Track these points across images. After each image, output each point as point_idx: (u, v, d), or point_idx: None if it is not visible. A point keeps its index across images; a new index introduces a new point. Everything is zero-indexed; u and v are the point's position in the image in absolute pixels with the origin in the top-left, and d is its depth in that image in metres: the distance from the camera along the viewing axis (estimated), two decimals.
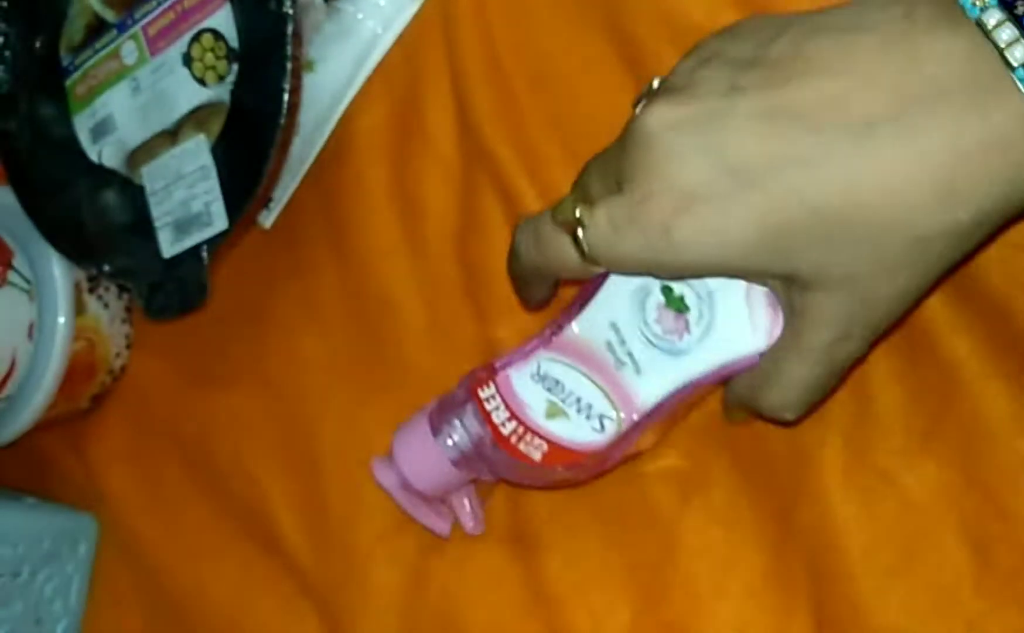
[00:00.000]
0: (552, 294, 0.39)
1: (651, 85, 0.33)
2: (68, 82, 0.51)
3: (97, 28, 0.49)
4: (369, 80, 0.49)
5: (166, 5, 0.46)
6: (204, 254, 0.46)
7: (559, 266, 0.34)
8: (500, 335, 0.46)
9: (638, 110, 0.32)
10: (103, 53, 0.49)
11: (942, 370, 0.38)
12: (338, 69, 0.48)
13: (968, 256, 0.29)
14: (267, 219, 0.51)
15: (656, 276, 0.33)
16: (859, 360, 0.32)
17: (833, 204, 0.27)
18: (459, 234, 0.47)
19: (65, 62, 0.51)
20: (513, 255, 0.36)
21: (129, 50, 0.48)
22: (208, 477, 0.53)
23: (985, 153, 0.26)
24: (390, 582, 0.47)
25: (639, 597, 0.42)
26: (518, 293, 0.39)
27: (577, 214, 0.31)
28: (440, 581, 0.46)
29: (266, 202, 0.50)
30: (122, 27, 0.48)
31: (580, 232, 0.31)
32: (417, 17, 0.48)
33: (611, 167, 0.32)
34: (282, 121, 0.43)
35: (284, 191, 0.50)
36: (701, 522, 0.42)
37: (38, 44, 0.51)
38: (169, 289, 0.47)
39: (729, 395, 0.37)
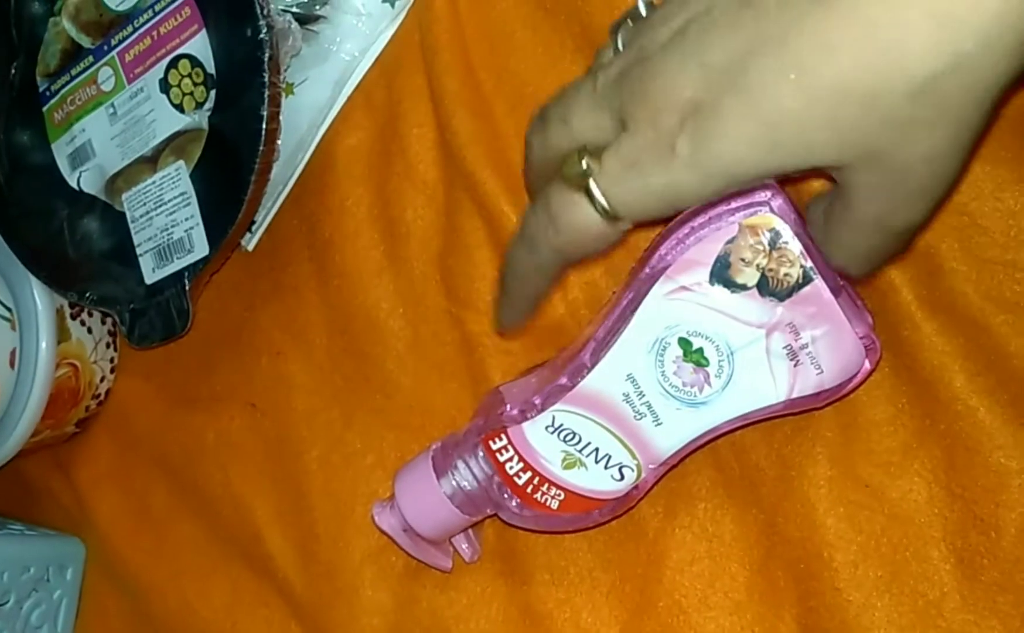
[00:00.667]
0: (535, 309, 0.37)
1: (633, 12, 0.32)
2: (45, 108, 0.50)
3: (73, 54, 0.49)
4: (349, 102, 0.49)
5: (142, 31, 0.46)
6: (186, 280, 0.46)
7: (578, 236, 0.31)
8: (483, 355, 0.46)
9: (620, 43, 0.31)
10: (80, 79, 0.49)
11: (923, 385, 0.38)
12: (317, 92, 0.48)
13: (998, 101, 0.25)
14: (249, 242, 0.51)
15: (677, 207, 0.30)
16: (922, 226, 0.29)
17: (815, 76, 0.25)
18: (441, 255, 0.47)
19: (42, 88, 0.50)
20: (524, 248, 0.33)
21: (106, 76, 0.48)
22: (195, 499, 0.53)
23: None
24: (379, 602, 0.47)
25: (626, 612, 0.43)
26: (507, 306, 0.37)
27: (585, 166, 0.30)
28: (428, 600, 0.46)
29: (248, 227, 0.50)
30: (98, 53, 0.48)
31: (593, 186, 0.30)
32: (395, 40, 0.48)
33: (603, 113, 0.30)
34: (261, 148, 0.43)
35: (266, 213, 0.50)
36: (686, 537, 0.42)
37: (13, 70, 0.51)
38: (151, 316, 0.47)
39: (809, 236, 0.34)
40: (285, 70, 0.46)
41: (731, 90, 0.27)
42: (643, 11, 0.32)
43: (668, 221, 0.37)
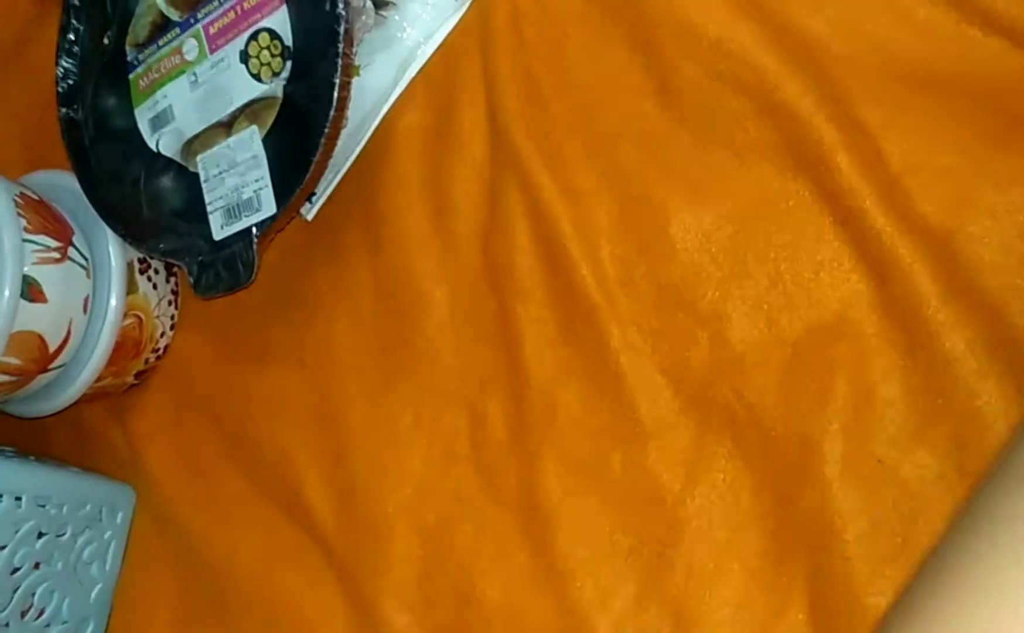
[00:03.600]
0: None
1: None
2: (132, 76, 0.54)
3: (162, 26, 0.53)
4: (410, 85, 0.52)
5: (228, 5, 0.50)
6: (255, 234, 0.49)
7: None
8: (517, 326, 0.48)
9: None
10: (166, 49, 0.52)
11: (938, 366, 0.40)
12: (382, 74, 0.52)
13: None
14: (309, 212, 0.54)
15: None
16: None
17: None
18: (485, 230, 0.50)
19: (130, 57, 0.54)
20: None
21: (191, 47, 0.51)
22: (242, 451, 0.55)
23: None
24: (410, 554, 0.49)
25: (644, 575, 0.44)
26: None
27: None
28: (457, 554, 0.48)
29: (311, 193, 0.53)
30: (185, 25, 0.52)
31: None
32: (457, 28, 0.51)
33: None
34: (332, 113, 0.46)
35: (327, 185, 0.53)
36: (704, 505, 0.44)
37: (106, 40, 0.55)
38: (218, 267, 0.50)
39: None
40: (358, 44, 0.49)
41: None
42: None
43: None
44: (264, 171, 0.49)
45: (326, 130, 0.46)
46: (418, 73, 0.52)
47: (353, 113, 0.52)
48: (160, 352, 0.59)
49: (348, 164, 0.53)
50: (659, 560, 0.44)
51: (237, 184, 0.50)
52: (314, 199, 0.54)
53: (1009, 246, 0.39)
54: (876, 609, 0.40)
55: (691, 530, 0.44)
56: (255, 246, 0.48)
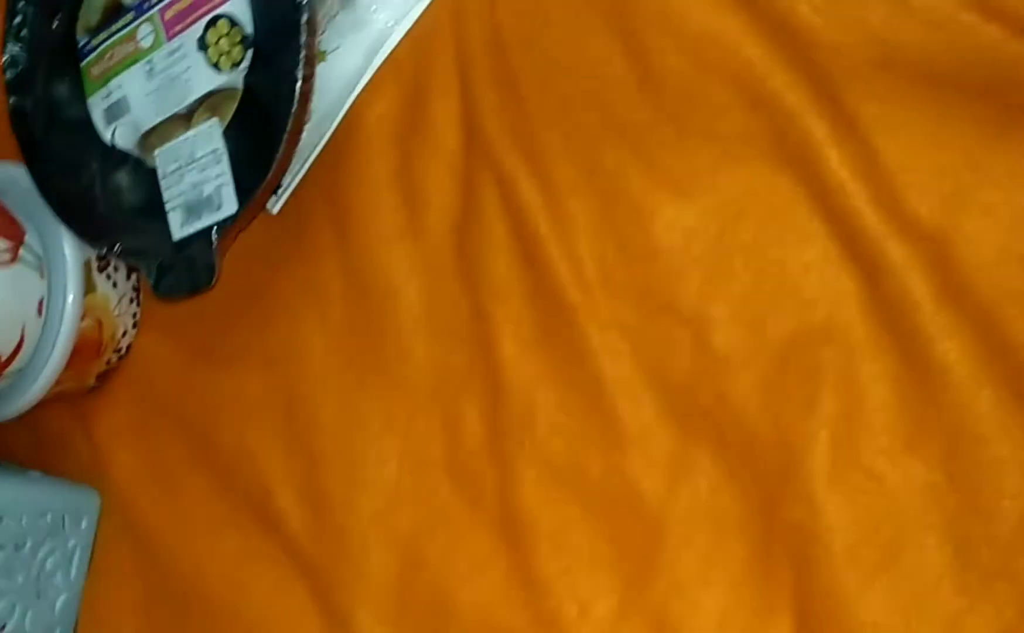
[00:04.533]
0: None
1: None
2: (84, 63, 0.52)
3: (115, 10, 0.50)
4: (379, 71, 0.50)
5: None
6: (214, 236, 0.47)
7: None
8: (492, 324, 0.46)
9: None
10: (119, 35, 0.50)
11: (930, 373, 0.39)
12: (349, 60, 0.49)
13: None
14: (275, 205, 0.52)
15: None
16: None
17: None
18: (459, 225, 0.48)
19: (81, 43, 0.52)
20: None
21: (145, 33, 0.49)
22: (210, 455, 0.54)
23: None
24: (385, 562, 0.48)
25: (625, 584, 0.43)
26: None
27: None
28: (433, 563, 0.47)
29: (275, 189, 0.51)
30: (139, 10, 0.49)
31: None
32: (428, 11, 0.49)
33: None
34: (294, 109, 0.44)
35: (293, 177, 0.51)
36: (687, 513, 0.43)
37: (56, 24, 0.52)
38: (178, 270, 0.48)
39: None
40: (321, 34, 0.47)
41: None
42: None
43: None
44: (225, 167, 0.46)
45: (289, 125, 0.44)
46: (387, 59, 0.49)
47: (320, 99, 0.49)
48: (122, 352, 0.56)
49: (315, 154, 0.51)
50: (641, 569, 0.43)
51: (197, 180, 0.47)
52: (280, 191, 0.52)
53: (1006, 247, 0.38)
54: (864, 622, 0.39)
55: (674, 538, 0.43)
56: (215, 248, 0.46)
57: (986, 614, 0.37)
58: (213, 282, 0.47)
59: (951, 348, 0.38)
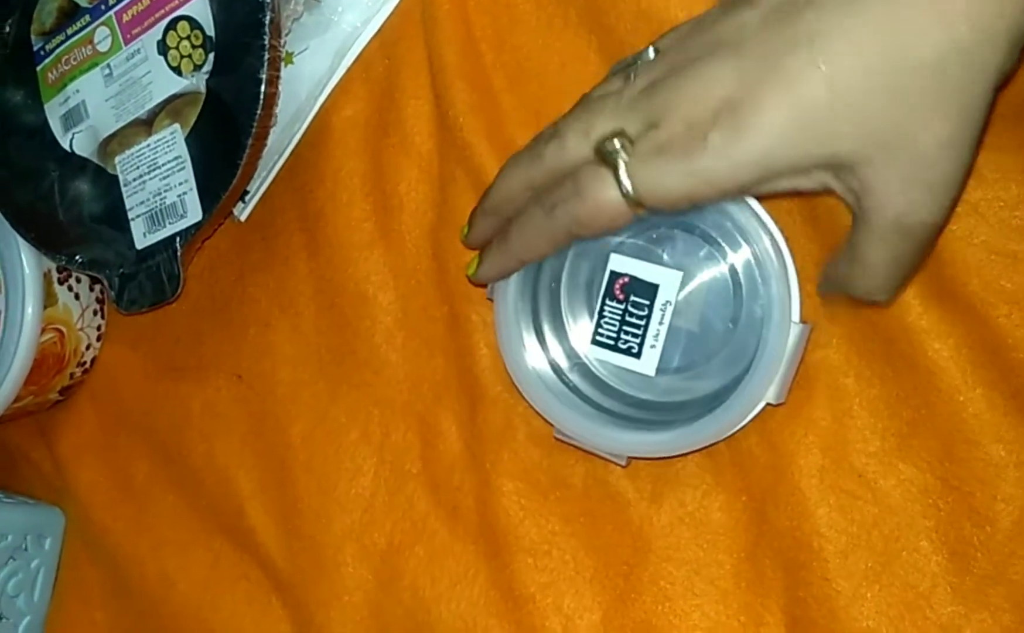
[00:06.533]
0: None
1: (639, 56, 0.35)
2: (39, 68, 0.50)
3: (70, 12, 0.48)
4: (348, 73, 0.48)
5: None
6: (178, 246, 0.45)
7: (598, 211, 0.33)
8: (471, 331, 0.45)
9: (634, 75, 0.34)
10: (75, 38, 0.48)
11: (921, 375, 0.38)
12: (317, 62, 0.48)
13: (998, 84, 0.28)
14: (242, 212, 0.50)
15: (696, 199, 0.32)
16: (938, 228, 0.31)
17: (842, 64, 0.29)
18: (434, 229, 0.46)
19: (36, 46, 0.50)
20: (543, 212, 0.35)
21: (102, 36, 0.47)
22: (178, 471, 0.52)
23: None
24: (360, 578, 0.47)
25: (610, 598, 0.42)
26: (500, 259, 0.39)
27: (619, 145, 0.32)
28: (410, 579, 0.46)
29: (242, 194, 0.49)
30: (95, 12, 0.47)
31: (621, 167, 0.32)
32: (397, 11, 0.47)
33: (629, 121, 0.32)
34: (259, 112, 0.42)
35: (260, 183, 0.50)
36: (672, 522, 0.42)
37: (8, 27, 0.50)
38: (141, 280, 0.46)
39: (823, 285, 0.36)
40: (286, 35, 0.45)
41: (766, 83, 0.30)
42: (651, 55, 0.34)
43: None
44: (188, 174, 0.45)
45: (253, 130, 0.42)
46: (356, 61, 0.48)
47: (286, 103, 0.48)
48: (87, 366, 0.54)
49: (283, 159, 0.49)
50: (625, 583, 0.42)
51: (159, 188, 0.46)
52: (247, 197, 0.50)
53: (995, 246, 0.37)
54: (857, 630, 0.38)
55: (659, 550, 0.42)
56: (180, 257, 0.44)
57: (982, 622, 0.36)
58: (178, 293, 0.46)
59: (942, 349, 0.37)
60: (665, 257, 0.38)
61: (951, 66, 0.28)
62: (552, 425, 0.40)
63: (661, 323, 0.37)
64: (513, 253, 0.38)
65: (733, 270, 0.37)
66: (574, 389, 0.40)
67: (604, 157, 0.33)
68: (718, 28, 0.32)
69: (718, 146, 0.30)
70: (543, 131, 0.36)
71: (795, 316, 0.36)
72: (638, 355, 0.38)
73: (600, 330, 0.38)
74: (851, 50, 0.28)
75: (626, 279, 0.38)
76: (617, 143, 0.32)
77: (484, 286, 0.42)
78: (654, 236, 0.38)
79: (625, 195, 0.32)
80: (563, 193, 0.34)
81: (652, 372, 0.38)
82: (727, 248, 0.37)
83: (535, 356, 0.40)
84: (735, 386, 0.37)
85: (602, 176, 0.33)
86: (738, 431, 0.37)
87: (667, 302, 0.37)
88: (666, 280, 0.37)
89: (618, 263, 0.38)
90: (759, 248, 0.36)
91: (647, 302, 0.38)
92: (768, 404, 0.36)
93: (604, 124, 0.33)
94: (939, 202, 0.30)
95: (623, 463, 0.40)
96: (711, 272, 0.38)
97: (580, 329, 0.40)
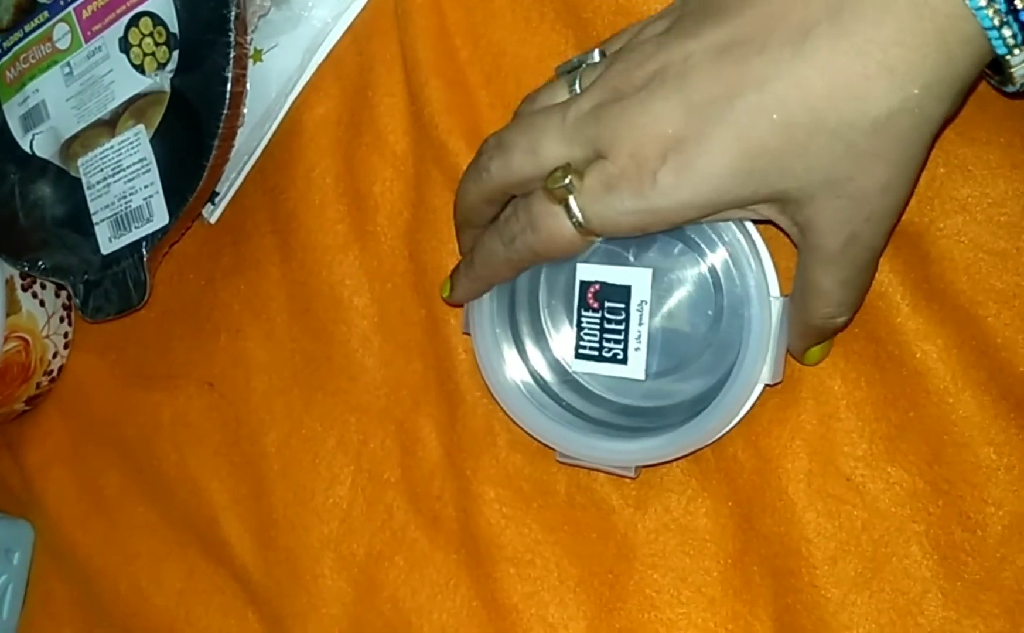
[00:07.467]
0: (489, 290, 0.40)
1: (584, 58, 0.36)
2: None
3: (27, 8, 0.47)
4: (319, 71, 0.47)
5: None
6: (144, 251, 0.44)
7: (553, 242, 0.35)
8: (449, 334, 0.44)
9: (577, 85, 0.34)
10: (34, 36, 0.47)
11: (910, 377, 0.37)
12: (286, 59, 0.46)
13: (940, 130, 0.30)
14: (212, 214, 0.49)
15: (647, 230, 0.33)
16: (880, 251, 0.32)
17: (793, 113, 0.29)
18: (410, 230, 0.45)
19: None
20: (501, 241, 0.36)
21: (62, 33, 0.45)
22: (149, 481, 0.51)
23: (918, 37, 0.28)
24: (338, 590, 0.46)
25: (594, 606, 0.42)
26: (469, 284, 0.40)
27: (568, 181, 0.33)
28: (390, 590, 0.45)
29: (210, 197, 0.48)
30: (54, 8, 0.46)
31: (572, 202, 0.33)
32: (369, 6, 0.46)
33: (575, 145, 0.33)
34: (225, 111, 0.41)
35: (229, 184, 0.48)
36: (657, 529, 0.41)
37: None
38: (107, 287, 0.45)
39: (795, 343, 0.36)
40: (253, 32, 0.44)
41: (716, 125, 0.30)
42: (596, 57, 0.35)
43: None
44: (154, 176, 0.43)
45: (219, 130, 0.41)
46: (327, 58, 0.47)
47: (255, 103, 0.47)
48: (54, 375, 0.53)
49: (253, 159, 0.48)
50: (610, 591, 0.41)
51: (124, 191, 0.44)
52: (217, 199, 0.49)
53: (983, 243, 0.36)
54: None
55: (644, 557, 0.41)
56: (146, 263, 0.43)
57: (975, 627, 0.36)
58: (144, 300, 0.45)
59: (930, 350, 0.37)
60: (631, 257, 0.37)
61: (899, 122, 0.29)
62: (553, 448, 0.40)
63: (641, 324, 0.37)
64: (480, 278, 0.39)
65: (708, 262, 0.37)
66: (568, 407, 0.40)
67: (553, 193, 0.33)
68: (662, 55, 0.32)
69: (666, 186, 0.31)
70: (487, 141, 0.36)
71: (774, 291, 0.36)
72: (624, 360, 0.37)
73: (582, 343, 0.38)
74: (802, 98, 0.29)
75: (597, 286, 0.37)
76: (567, 180, 0.33)
77: (461, 307, 0.42)
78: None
79: (577, 226, 0.34)
80: (518, 226, 0.35)
81: (642, 375, 0.37)
82: (700, 242, 0.37)
83: (519, 373, 0.40)
84: (728, 378, 0.36)
85: (554, 212, 0.34)
86: (739, 422, 0.37)
87: (643, 301, 0.37)
88: (637, 279, 0.37)
89: (586, 272, 0.37)
90: (729, 236, 0.36)
91: (622, 305, 0.37)
92: (766, 386, 0.36)
93: (550, 148, 0.34)
94: (880, 230, 0.31)
95: (633, 475, 0.40)
96: (686, 268, 0.37)
97: (564, 342, 0.40)
